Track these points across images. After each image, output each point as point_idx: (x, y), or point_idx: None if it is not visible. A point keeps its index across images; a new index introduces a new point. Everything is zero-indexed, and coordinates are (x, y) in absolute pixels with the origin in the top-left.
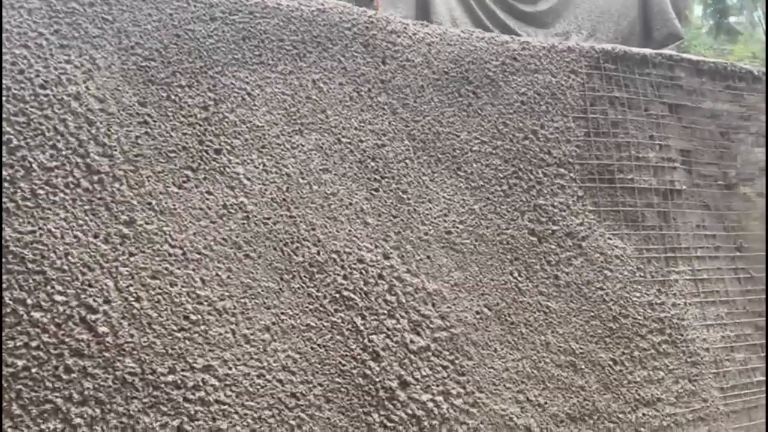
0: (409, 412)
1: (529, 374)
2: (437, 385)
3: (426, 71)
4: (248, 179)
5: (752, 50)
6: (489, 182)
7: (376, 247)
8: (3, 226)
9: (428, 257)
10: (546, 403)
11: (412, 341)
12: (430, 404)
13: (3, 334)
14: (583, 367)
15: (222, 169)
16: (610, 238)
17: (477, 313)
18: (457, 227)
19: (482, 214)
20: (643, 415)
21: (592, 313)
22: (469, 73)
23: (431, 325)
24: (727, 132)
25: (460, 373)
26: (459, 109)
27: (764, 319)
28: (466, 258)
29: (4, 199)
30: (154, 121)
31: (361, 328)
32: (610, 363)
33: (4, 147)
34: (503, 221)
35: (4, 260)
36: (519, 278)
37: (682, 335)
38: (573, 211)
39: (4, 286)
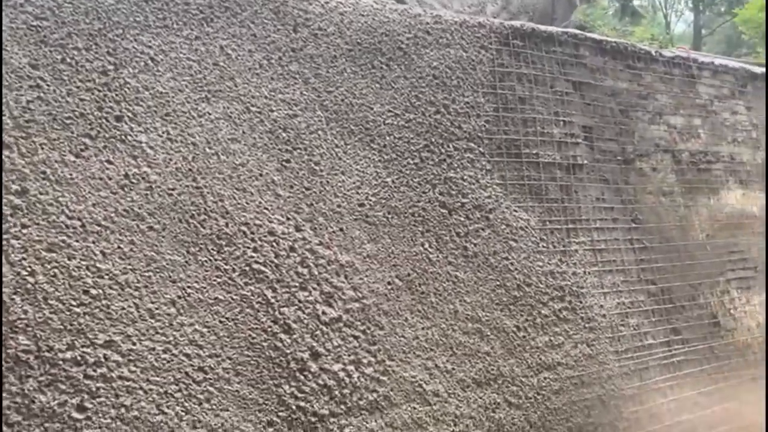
0: (321, 382)
1: (438, 342)
2: (348, 355)
3: (339, 41)
4: (151, 148)
5: (652, 32)
6: (401, 155)
7: (288, 219)
8: None
9: (341, 229)
10: (453, 369)
11: (324, 313)
12: (342, 374)
13: None
14: (488, 333)
15: (123, 137)
16: (515, 211)
17: (388, 283)
18: (370, 200)
19: (395, 186)
20: (545, 378)
21: (498, 282)
22: (382, 45)
23: (343, 297)
24: (626, 109)
25: (371, 342)
26: (372, 80)
27: (658, 287)
28: (378, 230)
29: None
30: (48, 85)
31: (272, 300)
32: (514, 329)
33: None
34: (415, 194)
35: None
36: (429, 249)
37: (581, 302)
38: (481, 184)
39: None
